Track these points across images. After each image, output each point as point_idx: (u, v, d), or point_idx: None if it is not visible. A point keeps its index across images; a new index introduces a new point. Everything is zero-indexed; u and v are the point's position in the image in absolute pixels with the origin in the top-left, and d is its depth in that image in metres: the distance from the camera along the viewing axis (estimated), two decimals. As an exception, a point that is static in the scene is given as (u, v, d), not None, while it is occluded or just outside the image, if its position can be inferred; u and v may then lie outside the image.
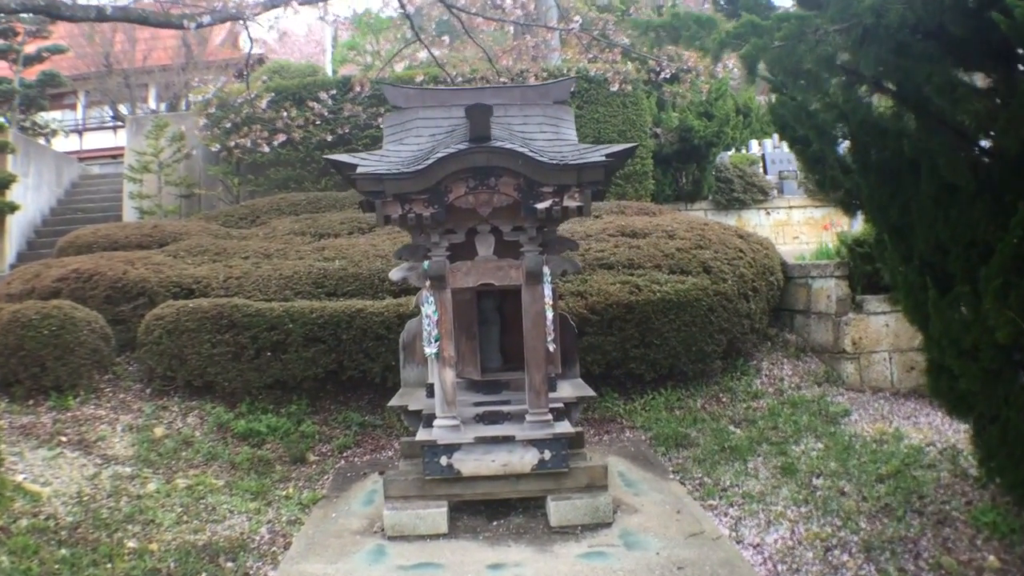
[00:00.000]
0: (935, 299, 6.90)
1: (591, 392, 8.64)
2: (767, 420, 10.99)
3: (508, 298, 8.80)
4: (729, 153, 20.89)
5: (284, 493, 9.46)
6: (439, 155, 7.20)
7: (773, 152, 22.15)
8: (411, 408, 8.36)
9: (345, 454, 10.64)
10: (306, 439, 10.77)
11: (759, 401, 11.71)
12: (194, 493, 9.18)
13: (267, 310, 11.05)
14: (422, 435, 7.90)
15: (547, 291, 7.80)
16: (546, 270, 7.79)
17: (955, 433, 9.54)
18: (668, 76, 15.63)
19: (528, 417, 7.87)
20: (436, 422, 7.85)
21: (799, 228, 19.92)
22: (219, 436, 10.78)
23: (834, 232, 14.91)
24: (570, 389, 8.65)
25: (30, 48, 22.11)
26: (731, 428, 10.92)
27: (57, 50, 22.22)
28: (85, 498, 8.36)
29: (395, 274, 8.04)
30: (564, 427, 7.93)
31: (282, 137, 15.61)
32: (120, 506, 8.35)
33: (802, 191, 20.58)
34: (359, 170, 7.28)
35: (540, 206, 7.37)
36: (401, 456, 8.71)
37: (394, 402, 8.63)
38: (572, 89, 10.60)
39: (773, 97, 9.59)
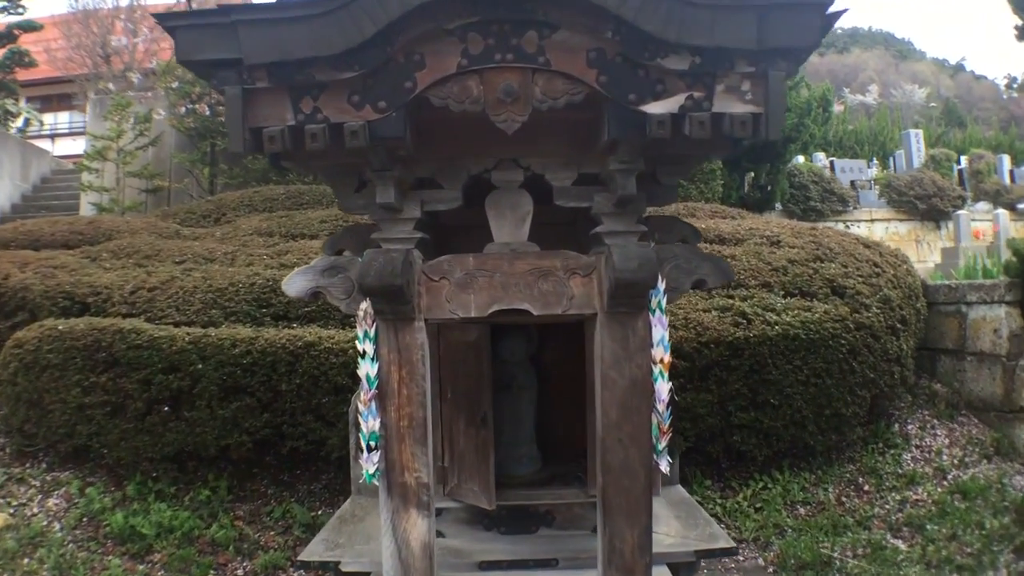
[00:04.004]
0: None
1: (722, 540, 3.68)
2: (937, 523, 6.40)
3: (553, 338, 3.96)
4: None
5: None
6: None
7: (842, 161, 17.29)
8: (347, 569, 3.46)
9: (273, 582, 5.77)
10: (215, 550, 5.90)
11: (916, 489, 6.94)
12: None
13: (165, 340, 6.19)
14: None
15: (658, 331, 2.89)
16: (660, 284, 2.88)
17: None
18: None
19: (602, 623, 2.96)
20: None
21: (883, 245, 14.92)
22: (87, 533, 6.04)
23: (994, 237, 9.90)
24: (676, 525, 3.73)
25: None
26: (890, 540, 6.22)
27: (30, 27, 17.51)
28: None
29: (294, 284, 3.02)
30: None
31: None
32: None
33: (884, 202, 15.60)
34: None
35: (655, 109, 2.49)
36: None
37: (314, 551, 3.67)
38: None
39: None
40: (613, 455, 2.82)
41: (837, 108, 28.00)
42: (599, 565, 2.95)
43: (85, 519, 6.14)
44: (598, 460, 2.89)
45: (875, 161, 23.75)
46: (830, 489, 6.83)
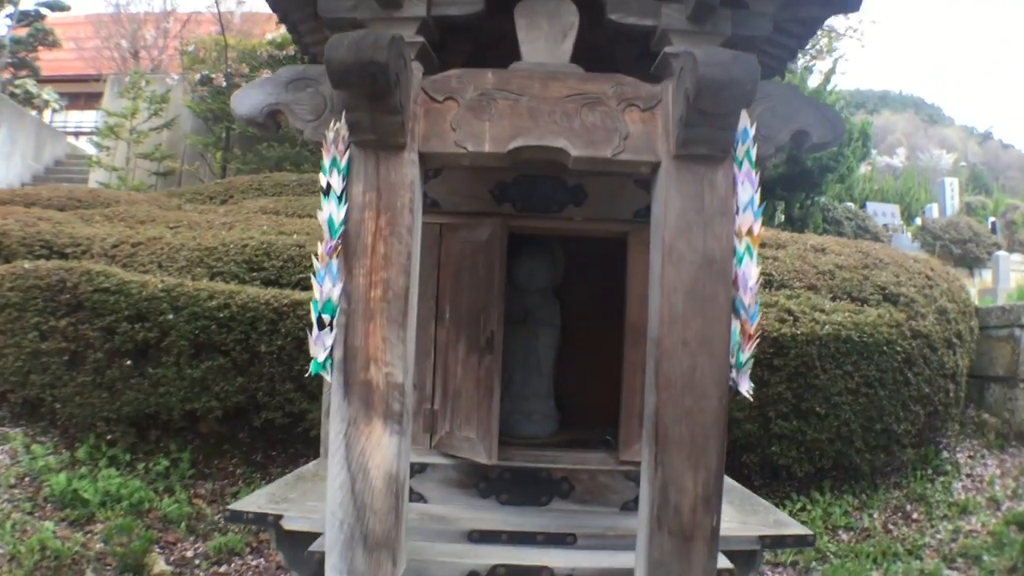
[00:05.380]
0: None
1: (793, 526, 2.75)
2: (995, 554, 5.46)
3: (583, 269, 3.07)
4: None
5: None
6: None
7: (875, 204, 16.52)
8: (290, 526, 2.54)
9: (227, 567, 4.80)
10: (165, 526, 4.96)
11: (970, 519, 5.98)
12: None
13: (135, 285, 5.32)
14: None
15: (746, 191, 1.97)
16: (749, 127, 1.97)
17: None
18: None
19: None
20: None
21: (916, 288, 13.98)
22: (26, 494, 5.11)
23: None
24: (730, 509, 2.78)
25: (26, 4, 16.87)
26: (945, 571, 5.30)
27: (58, 7, 16.87)
28: None
29: (247, 98, 2.10)
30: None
31: (267, 74, 9.88)
32: None
33: (917, 245, 14.68)
34: None
35: None
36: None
37: (253, 501, 2.75)
38: None
39: None
40: (674, 362, 1.89)
41: (864, 168, 27.23)
42: (640, 523, 2.01)
43: (27, 478, 5.23)
44: (651, 370, 1.96)
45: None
46: (876, 515, 5.86)
